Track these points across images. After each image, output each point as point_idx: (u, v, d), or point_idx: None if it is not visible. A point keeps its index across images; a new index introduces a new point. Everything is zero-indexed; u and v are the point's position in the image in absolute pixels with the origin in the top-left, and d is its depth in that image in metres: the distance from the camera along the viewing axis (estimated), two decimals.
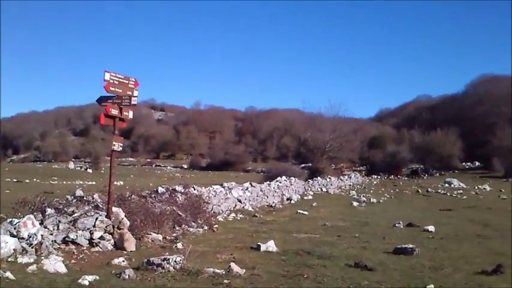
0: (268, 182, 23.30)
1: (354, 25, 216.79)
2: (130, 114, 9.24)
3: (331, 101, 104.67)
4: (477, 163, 63.19)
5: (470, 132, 69.24)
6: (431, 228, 11.98)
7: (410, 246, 8.72)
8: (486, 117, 71.96)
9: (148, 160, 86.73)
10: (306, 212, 16.26)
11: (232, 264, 6.66)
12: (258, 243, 8.84)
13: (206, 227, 11.32)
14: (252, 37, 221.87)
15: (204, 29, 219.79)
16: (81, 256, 7.27)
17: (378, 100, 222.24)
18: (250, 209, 16.50)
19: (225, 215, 14.14)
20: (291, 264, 7.35)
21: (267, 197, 20.38)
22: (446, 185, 40.12)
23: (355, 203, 21.66)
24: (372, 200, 24.20)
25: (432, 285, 5.94)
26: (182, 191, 13.06)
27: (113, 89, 8.80)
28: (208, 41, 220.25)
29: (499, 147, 56.99)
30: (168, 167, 75.98)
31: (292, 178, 27.52)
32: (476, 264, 7.64)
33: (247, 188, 18.56)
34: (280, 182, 24.25)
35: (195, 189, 13.89)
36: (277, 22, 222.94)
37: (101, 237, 8.11)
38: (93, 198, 9.79)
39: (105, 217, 8.40)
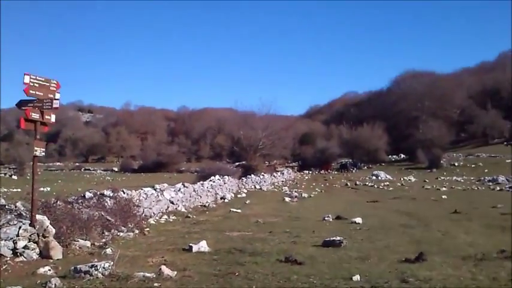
0: (201, 182, 23.20)
1: (283, 23, 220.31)
2: (53, 118, 8.87)
3: (262, 99, 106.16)
4: (402, 156, 66.05)
5: (395, 127, 72.46)
6: (358, 220, 12.41)
7: (338, 238, 8.97)
8: (410, 111, 75.56)
9: (77, 164, 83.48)
10: (239, 210, 16.34)
11: (163, 267, 6.56)
12: (190, 244, 8.77)
13: (137, 231, 11.08)
14: (181, 36, 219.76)
15: (131, 28, 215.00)
16: (4, 267, 6.90)
17: (308, 97, 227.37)
18: (183, 210, 16.34)
19: (157, 218, 13.90)
20: (222, 263, 7.33)
21: (201, 197, 20.27)
22: (374, 177, 41.73)
23: (287, 199, 22.03)
24: (303, 195, 24.72)
25: (358, 276, 6.13)
26: (111, 195, 12.72)
27: (34, 92, 8.43)
28: (136, 40, 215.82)
29: (422, 140, 60.06)
30: (98, 171, 73.50)
31: (226, 177, 27.57)
32: (400, 253, 7.97)
33: (180, 189, 18.37)
34: (213, 182, 24.22)
35: (124, 193, 13.57)
36: (205, 21, 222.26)
37: (25, 247, 7.73)
38: (15, 207, 9.32)
39: (29, 225, 8.02)
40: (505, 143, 69.12)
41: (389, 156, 66.95)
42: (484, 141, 72.02)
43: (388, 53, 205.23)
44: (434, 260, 7.15)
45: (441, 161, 52.53)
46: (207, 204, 19.04)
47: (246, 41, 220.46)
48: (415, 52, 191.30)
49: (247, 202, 20.18)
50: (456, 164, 52.72)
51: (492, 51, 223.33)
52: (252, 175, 36.08)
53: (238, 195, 24.53)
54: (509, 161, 51.82)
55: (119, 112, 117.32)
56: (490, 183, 33.64)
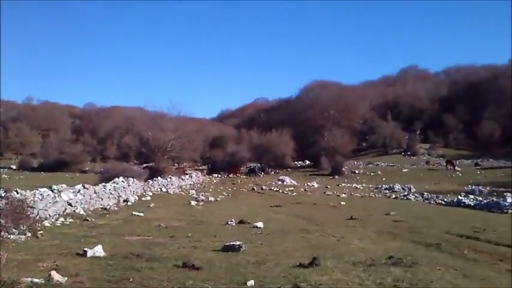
0: (104, 184, 22.37)
1: (196, 26, 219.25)
2: None
3: (172, 100, 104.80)
4: (308, 162, 68.21)
5: (302, 134, 74.72)
6: (260, 224, 12.61)
7: (238, 243, 9.06)
8: (316, 120, 78.39)
9: None
10: (141, 214, 15.96)
11: (53, 273, 6.24)
12: (85, 249, 8.42)
13: (29, 234, 10.46)
14: (92, 29, 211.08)
15: (34, 18, 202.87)
16: None
17: (220, 101, 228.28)
18: (82, 212, 15.64)
19: (52, 220, 13.19)
20: (117, 269, 7.12)
21: (102, 199, 19.51)
22: (280, 182, 42.71)
23: (193, 202, 21.91)
24: (210, 199, 24.70)
25: (252, 281, 6.23)
26: (3, 195, 11.91)
27: None
28: (39, 30, 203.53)
29: (326, 148, 62.48)
30: None
31: (131, 179, 26.81)
32: (296, 257, 8.20)
33: (79, 190, 17.58)
34: (117, 183, 23.45)
35: (18, 193, 12.77)
36: (119, 18, 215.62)
37: None
38: None
39: None
40: (403, 153, 73.99)
41: (296, 162, 68.88)
42: (383, 151, 76.47)
43: (298, 62, 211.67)
44: (326, 265, 7.43)
45: (343, 168, 54.89)
46: (108, 207, 18.37)
47: (158, 41, 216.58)
48: (323, 63, 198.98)
49: (151, 205, 19.78)
50: (357, 172, 55.40)
51: (394, 66, 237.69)
52: (159, 177, 35.44)
53: (143, 198, 23.94)
54: (406, 170, 55.46)
55: (20, 106, 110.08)
56: (387, 191, 35.66)
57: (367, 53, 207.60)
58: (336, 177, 51.64)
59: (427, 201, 26.19)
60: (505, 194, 26.88)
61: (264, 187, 36.46)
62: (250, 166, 61.35)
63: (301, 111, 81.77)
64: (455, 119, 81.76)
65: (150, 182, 32.47)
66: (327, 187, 38.32)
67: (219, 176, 54.82)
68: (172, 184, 34.78)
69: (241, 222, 13.69)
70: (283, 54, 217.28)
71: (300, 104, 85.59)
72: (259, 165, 62.07)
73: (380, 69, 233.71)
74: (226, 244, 9.11)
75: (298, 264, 7.50)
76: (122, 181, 24.64)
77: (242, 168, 60.44)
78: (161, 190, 31.06)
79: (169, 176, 38.41)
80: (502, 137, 74.00)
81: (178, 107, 52.97)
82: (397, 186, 37.94)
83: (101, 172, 38.85)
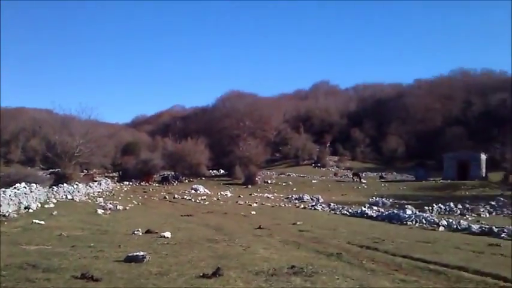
0: (3, 189, 21.00)
1: (109, 28, 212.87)
2: None
3: (82, 104, 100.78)
4: (222, 171, 68.41)
5: (218, 143, 75.00)
6: (167, 234, 12.43)
7: (142, 253, 8.85)
8: (232, 129, 79.03)
9: None
10: (43, 222, 15.15)
11: None
12: None
13: None
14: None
15: None
16: None
17: (134, 106, 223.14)
18: None
19: None
20: (10, 280, 6.69)
21: (1, 205, 18.30)
22: (193, 191, 42.46)
23: (100, 211, 21.13)
24: (118, 207, 23.97)
25: None
26: None
27: None
28: None
29: (241, 157, 63.08)
30: None
31: (34, 185, 25.39)
32: (200, 268, 8.14)
33: None
34: (18, 189, 22.10)
35: None
36: (22, 17, 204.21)
37: None
38: None
39: None
40: (313, 164, 76.50)
41: (211, 171, 68.86)
42: (295, 161, 78.73)
43: (216, 71, 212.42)
44: (229, 275, 7.44)
45: (256, 178, 55.69)
46: (7, 214, 17.28)
47: (70, 41, 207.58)
48: (240, 73, 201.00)
49: (54, 213, 18.84)
50: (269, 182, 56.46)
51: (307, 80, 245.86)
52: (65, 184, 33.88)
53: (46, 206, 22.70)
54: (315, 181, 57.31)
55: None
56: (297, 201, 36.63)
57: (281, 67, 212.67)
58: (249, 186, 52.26)
59: (333, 212, 27.22)
60: (405, 206, 28.62)
61: (176, 196, 36.05)
62: (164, 174, 60.45)
63: (217, 121, 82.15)
64: (363, 133, 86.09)
65: (55, 188, 30.94)
66: (239, 196, 38.64)
67: (131, 183, 53.40)
68: (79, 191, 33.30)
69: (148, 231, 13.41)
70: (201, 63, 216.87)
71: (217, 113, 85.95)
72: (173, 173, 61.30)
73: (294, 83, 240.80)
74: (130, 255, 8.86)
75: (201, 274, 7.44)
76: (24, 187, 23.26)
77: (155, 176, 59.37)
78: (66, 197, 29.63)
79: (76, 182, 36.84)
80: (405, 152, 79.09)
81: (89, 110, 51.00)
82: (306, 197, 39.09)
83: (2, 176, 36.51)
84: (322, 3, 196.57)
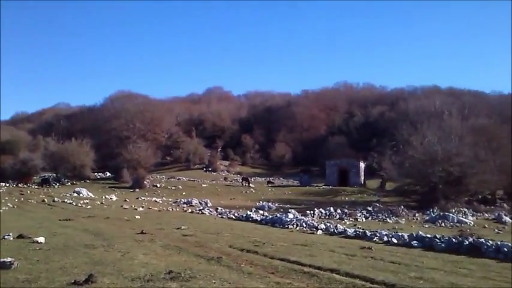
0: None
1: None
2: None
3: None
4: (108, 174, 66.02)
5: (105, 144, 72.43)
6: (41, 239, 11.72)
7: (9, 259, 8.31)
8: (121, 131, 76.73)
9: None
10: None
11: None
12: None
13: None
14: None
15: None
16: None
17: (14, 103, 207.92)
18: None
19: None
20: None
21: None
22: (75, 194, 40.41)
23: None
24: None
25: None
26: None
27: None
28: None
29: (129, 160, 61.39)
30: None
31: None
32: (73, 274, 7.79)
33: None
34: None
35: None
36: None
37: None
38: None
39: None
40: (204, 169, 76.65)
41: (96, 173, 66.18)
42: (187, 165, 78.33)
43: (103, 69, 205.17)
44: (103, 282, 7.22)
45: (145, 182, 54.48)
46: None
47: None
48: (129, 74, 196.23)
49: None
50: (158, 185, 55.51)
51: (201, 85, 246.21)
52: None
53: None
54: (205, 185, 57.41)
55: None
56: (185, 205, 36.38)
57: (174, 70, 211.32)
58: (137, 190, 51.00)
59: (220, 216, 27.42)
60: (289, 210, 29.70)
61: (56, 199, 34.02)
62: (44, 176, 57.00)
63: (105, 121, 79.29)
64: (253, 139, 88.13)
65: None
66: (125, 200, 37.48)
67: (7, 185, 49.63)
68: None
69: (20, 236, 12.52)
70: (88, 61, 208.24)
71: (105, 113, 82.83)
72: (54, 175, 58.02)
73: (187, 86, 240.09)
74: None
75: (72, 281, 7.14)
76: None
77: (35, 177, 55.83)
78: None
79: None
80: (292, 158, 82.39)
81: None
82: (195, 201, 39.02)
83: None
84: (214, 4, 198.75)
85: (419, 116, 59.22)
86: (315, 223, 21.52)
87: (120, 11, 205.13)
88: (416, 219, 30.27)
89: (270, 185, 61.68)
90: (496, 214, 32.98)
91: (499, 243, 13.96)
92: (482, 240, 14.70)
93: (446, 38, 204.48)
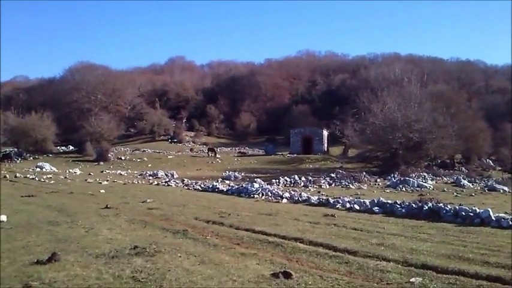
0: None
1: None
2: None
3: None
4: (71, 147, 64.80)
5: (67, 117, 70.90)
6: (3, 217, 11.52)
7: None
8: (83, 103, 75.11)
9: None
10: None
11: None
12: None
13: None
14: None
15: None
16: None
17: None
18: None
19: None
20: None
21: None
22: (38, 169, 39.62)
23: None
24: None
25: None
26: None
27: None
28: None
29: (92, 133, 60.32)
30: None
31: None
32: (36, 253, 7.77)
33: None
34: None
35: None
36: None
37: None
38: None
39: None
40: (169, 140, 76.11)
41: (58, 147, 64.85)
42: (151, 137, 77.55)
43: (62, 40, 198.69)
44: (67, 260, 7.21)
45: (109, 155, 53.73)
46: None
47: None
48: (89, 44, 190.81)
49: None
50: (123, 158, 54.85)
51: (163, 55, 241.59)
52: None
53: None
54: (171, 157, 57.15)
55: None
56: (151, 178, 36.19)
57: (135, 39, 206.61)
58: (101, 163, 50.28)
59: (186, 188, 27.43)
60: (255, 179, 29.98)
61: (18, 174, 33.26)
62: (6, 151, 55.46)
63: (65, 93, 77.27)
64: (218, 110, 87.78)
65: None
66: (89, 174, 37.00)
67: None
68: None
69: None
70: (46, 30, 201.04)
71: (65, 85, 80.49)
72: (15, 150, 56.56)
73: (148, 57, 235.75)
74: None
75: (35, 261, 7.12)
76: None
77: None
78: None
79: None
80: (257, 128, 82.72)
81: None
82: (161, 173, 38.85)
83: None
84: None
85: (379, 83, 60.15)
86: (280, 192, 21.80)
87: None
88: (378, 184, 31.11)
89: (241, 155, 61.63)
90: (455, 178, 34.29)
91: (457, 207, 14.59)
92: (441, 205, 15.27)
93: (406, 4, 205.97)
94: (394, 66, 74.40)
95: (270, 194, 21.23)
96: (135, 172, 41.70)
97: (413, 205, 15.53)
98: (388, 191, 26.78)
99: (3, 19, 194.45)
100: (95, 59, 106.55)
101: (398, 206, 15.71)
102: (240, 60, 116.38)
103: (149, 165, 49.53)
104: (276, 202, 19.16)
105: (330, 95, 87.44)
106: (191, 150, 66.76)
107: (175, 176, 36.80)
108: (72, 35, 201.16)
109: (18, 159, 52.57)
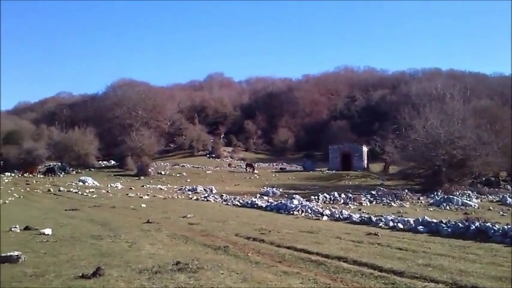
0: None
1: None
2: None
3: None
4: (113, 162, 66.15)
5: (109, 132, 72.56)
6: (48, 231, 11.77)
7: (16, 253, 8.34)
8: (124, 119, 76.80)
9: None
10: None
11: None
12: None
13: None
14: None
15: None
16: None
17: (16, 93, 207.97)
18: None
19: None
20: None
21: None
22: (81, 183, 40.52)
23: None
24: None
25: None
26: None
27: None
28: None
29: (133, 148, 61.49)
30: None
31: None
32: (81, 267, 7.83)
33: None
34: None
35: None
36: None
37: None
38: None
39: None
40: (208, 155, 76.70)
41: (100, 161, 66.34)
42: (190, 152, 78.31)
43: (105, 58, 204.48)
44: (111, 274, 7.23)
45: (149, 169, 54.54)
46: None
47: None
48: (131, 62, 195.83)
49: None
50: (163, 173, 55.58)
51: (202, 72, 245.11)
52: None
53: None
54: (210, 172, 57.47)
55: None
56: (190, 193, 36.38)
57: (175, 57, 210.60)
58: (142, 178, 51.08)
59: (225, 203, 27.41)
60: (293, 195, 29.70)
61: (62, 188, 34.13)
62: (49, 165, 57.09)
63: (108, 109, 79.17)
64: (255, 125, 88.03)
65: None
66: (131, 188, 37.57)
67: (12, 175, 49.80)
68: None
69: (27, 228, 12.60)
70: (89, 49, 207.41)
71: (107, 101, 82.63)
72: (59, 164, 58.18)
73: (188, 74, 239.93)
74: (3, 255, 8.29)
75: (80, 275, 7.16)
76: None
77: (40, 167, 55.96)
78: None
79: None
80: (295, 143, 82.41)
81: None
82: (200, 188, 39.03)
83: None
84: None
85: (421, 98, 58.75)
86: (320, 209, 21.45)
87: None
88: (421, 202, 30.23)
89: (281, 171, 61.31)
90: (500, 196, 32.92)
91: (506, 227, 13.90)
92: (489, 224, 14.65)
93: (446, 20, 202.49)
94: (435, 81, 72.77)
95: (310, 211, 20.89)
96: (175, 187, 42.05)
97: (460, 224, 14.93)
98: (431, 209, 25.96)
99: (50, 38, 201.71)
100: (136, 76, 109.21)
101: (444, 225, 15.13)
102: (277, 76, 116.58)
103: (188, 180, 49.91)
104: (316, 219, 18.83)
105: (369, 111, 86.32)
106: (229, 165, 66.96)
107: (213, 191, 36.85)
108: (114, 53, 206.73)
109: (61, 173, 53.97)
